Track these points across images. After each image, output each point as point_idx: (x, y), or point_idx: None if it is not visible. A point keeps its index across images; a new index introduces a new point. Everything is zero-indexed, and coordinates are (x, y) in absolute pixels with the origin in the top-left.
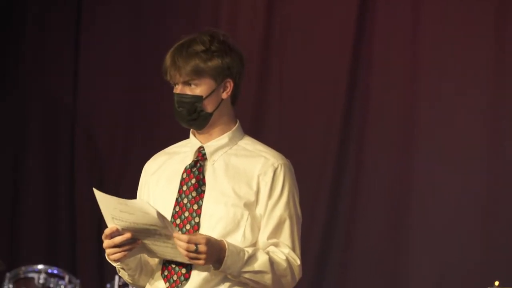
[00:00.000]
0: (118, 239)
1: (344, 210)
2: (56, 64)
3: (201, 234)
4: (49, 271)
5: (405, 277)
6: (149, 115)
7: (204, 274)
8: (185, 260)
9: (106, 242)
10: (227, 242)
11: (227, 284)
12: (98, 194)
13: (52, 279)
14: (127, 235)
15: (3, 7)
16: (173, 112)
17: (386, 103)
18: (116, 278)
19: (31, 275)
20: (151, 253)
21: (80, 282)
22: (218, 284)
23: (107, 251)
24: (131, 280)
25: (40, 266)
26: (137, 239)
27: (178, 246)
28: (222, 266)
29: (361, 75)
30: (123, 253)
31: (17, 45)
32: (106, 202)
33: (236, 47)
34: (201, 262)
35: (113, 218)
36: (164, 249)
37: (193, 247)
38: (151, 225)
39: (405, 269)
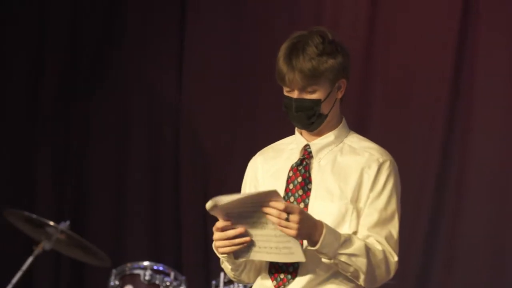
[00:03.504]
0: (231, 232)
1: (448, 208)
2: (160, 61)
3: (297, 206)
4: (155, 267)
5: None
6: (252, 111)
7: (310, 272)
8: (288, 259)
9: (218, 235)
10: (324, 222)
11: (333, 282)
12: (218, 200)
13: (157, 276)
14: (241, 230)
15: (107, 4)
16: (277, 107)
17: (490, 101)
18: (222, 274)
19: (136, 271)
20: (252, 254)
21: (185, 279)
22: (324, 282)
23: (217, 243)
24: (232, 274)
25: (145, 263)
26: (248, 236)
27: (270, 215)
28: (318, 245)
29: (464, 75)
30: (233, 247)
31: (121, 42)
32: (226, 206)
33: (343, 45)
34: (291, 232)
35: (227, 213)
36: (266, 244)
37: (284, 215)
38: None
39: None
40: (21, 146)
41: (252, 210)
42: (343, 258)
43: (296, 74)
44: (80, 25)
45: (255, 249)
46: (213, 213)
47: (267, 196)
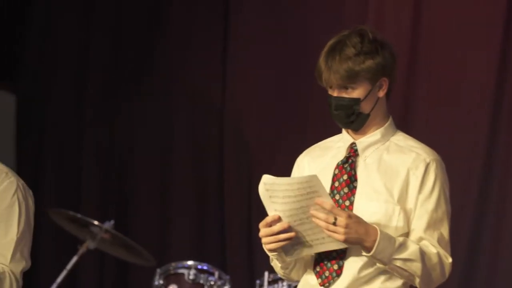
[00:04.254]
0: (276, 227)
1: (493, 208)
2: (204, 61)
3: (345, 211)
4: (199, 267)
5: None
6: (297, 109)
7: (356, 270)
8: (334, 246)
9: (263, 231)
10: (378, 228)
11: (379, 280)
12: (267, 178)
13: (202, 275)
14: (285, 224)
15: (151, 6)
16: (322, 106)
17: None
18: (266, 274)
19: (181, 271)
20: (304, 250)
21: (229, 278)
22: (370, 280)
23: (263, 239)
24: (282, 272)
25: (190, 262)
26: (292, 231)
27: (317, 218)
28: (373, 251)
29: (509, 76)
30: (278, 243)
31: (164, 43)
32: (271, 188)
33: (386, 43)
34: (339, 236)
35: (275, 210)
36: (318, 236)
37: (332, 218)
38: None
39: None
40: (66, 146)
41: (298, 206)
42: (398, 263)
43: (332, 75)
44: (123, 27)
45: (307, 244)
46: (262, 191)
47: (309, 183)
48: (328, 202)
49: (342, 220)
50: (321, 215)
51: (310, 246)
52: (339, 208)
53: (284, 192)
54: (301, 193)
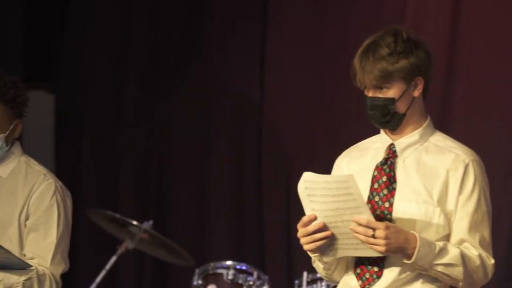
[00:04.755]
0: (311, 227)
1: None
2: (243, 60)
3: (382, 222)
4: (238, 267)
5: None
6: (335, 109)
7: (396, 272)
8: (369, 253)
9: (301, 231)
10: (417, 234)
11: (419, 281)
12: (308, 176)
13: (240, 275)
14: (320, 223)
15: (190, 4)
16: (360, 107)
17: None
18: (305, 274)
19: (220, 271)
20: (339, 252)
21: (268, 278)
22: (410, 282)
23: (302, 240)
24: (324, 273)
25: (228, 262)
26: (328, 230)
27: (356, 233)
28: (413, 258)
29: None
30: (315, 243)
31: (203, 42)
32: (310, 186)
33: (421, 42)
34: (380, 248)
35: (312, 209)
36: (352, 241)
37: (370, 232)
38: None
39: None
40: (105, 146)
41: (334, 207)
42: (439, 269)
43: (366, 75)
44: (163, 27)
45: (342, 246)
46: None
47: (346, 183)
48: (363, 218)
49: (380, 232)
50: (360, 229)
51: (345, 249)
52: (374, 221)
53: (322, 191)
54: (338, 193)
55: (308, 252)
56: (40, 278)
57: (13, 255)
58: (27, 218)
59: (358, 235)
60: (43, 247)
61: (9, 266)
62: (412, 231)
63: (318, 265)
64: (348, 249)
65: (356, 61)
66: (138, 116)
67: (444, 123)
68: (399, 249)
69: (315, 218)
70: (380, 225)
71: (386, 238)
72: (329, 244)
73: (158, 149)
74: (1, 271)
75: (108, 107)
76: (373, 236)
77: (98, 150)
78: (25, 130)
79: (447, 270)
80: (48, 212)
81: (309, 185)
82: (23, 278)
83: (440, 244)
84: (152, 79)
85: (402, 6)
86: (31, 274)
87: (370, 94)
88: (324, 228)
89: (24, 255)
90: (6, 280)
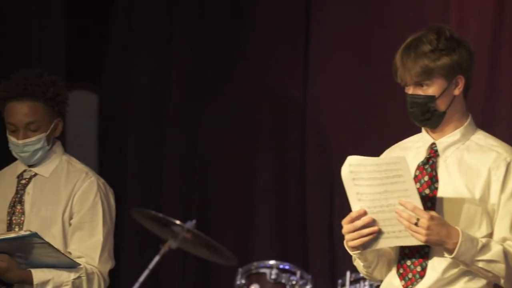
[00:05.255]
0: (359, 223)
1: None
2: (286, 61)
3: (428, 211)
4: (281, 266)
5: None
6: (378, 109)
7: (439, 272)
8: (409, 242)
9: (346, 227)
10: (460, 229)
11: (462, 281)
12: (353, 159)
13: (283, 275)
14: (368, 219)
15: (234, 4)
16: (403, 106)
17: None
18: (348, 273)
19: (262, 270)
20: (380, 242)
21: (311, 278)
22: (453, 282)
23: (346, 236)
24: (365, 271)
25: (271, 262)
26: (375, 226)
27: (400, 217)
28: (455, 253)
29: None
30: (362, 239)
31: (246, 43)
32: (356, 170)
33: (464, 41)
34: (420, 237)
35: (357, 193)
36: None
37: (414, 219)
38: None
39: None
40: (148, 146)
41: (382, 190)
42: (481, 265)
43: (407, 72)
44: (207, 26)
45: (382, 236)
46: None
47: (397, 164)
48: (410, 203)
49: (424, 221)
50: (404, 214)
51: (386, 238)
52: (421, 209)
53: (370, 174)
54: (387, 175)
55: (349, 250)
56: (89, 276)
57: (63, 254)
58: (71, 217)
59: (402, 220)
60: (90, 246)
61: (59, 266)
62: (455, 226)
63: (358, 263)
64: (390, 237)
65: (398, 57)
66: (182, 117)
67: (487, 122)
68: (439, 242)
69: (364, 214)
70: (425, 214)
71: (428, 228)
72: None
73: (201, 149)
74: (51, 269)
75: (151, 107)
76: (416, 224)
77: (141, 150)
78: (68, 130)
79: (489, 267)
80: (93, 210)
81: (354, 168)
82: (72, 276)
83: (483, 240)
84: (196, 80)
85: (445, 6)
86: (80, 273)
87: (410, 91)
88: (371, 223)
89: (70, 253)
90: (56, 278)
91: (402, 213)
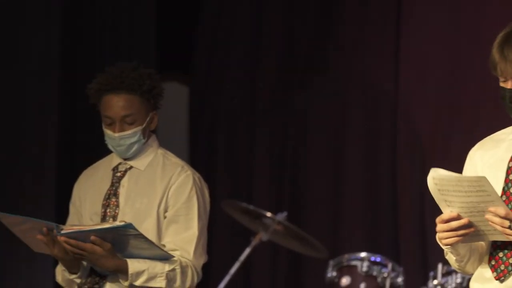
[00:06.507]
0: (454, 224)
1: None
2: (377, 52)
3: None
4: (372, 259)
5: None
6: (471, 102)
7: None
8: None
9: (440, 226)
10: None
11: None
12: (435, 173)
13: (375, 267)
14: (464, 221)
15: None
16: (494, 98)
17: None
18: (439, 266)
19: (354, 262)
20: (480, 237)
21: (403, 270)
22: None
23: (440, 235)
24: (457, 265)
25: (363, 254)
26: (472, 227)
27: (492, 222)
28: None
29: None
30: (456, 238)
31: (337, 33)
32: (440, 183)
33: None
34: None
35: (445, 200)
36: (489, 227)
37: (507, 223)
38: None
39: None
40: (239, 138)
41: (468, 201)
42: None
43: (508, 64)
44: (297, 18)
45: (477, 233)
46: (431, 184)
47: (478, 182)
48: (502, 209)
49: None
50: (496, 219)
51: (480, 235)
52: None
53: (454, 187)
54: (471, 190)
55: (441, 244)
56: (183, 269)
57: (157, 246)
58: (166, 210)
59: (495, 226)
60: (185, 239)
61: (152, 258)
62: None
63: (450, 257)
64: (483, 235)
65: (496, 51)
66: (273, 109)
67: None
68: None
69: (457, 216)
70: None
71: None
72: None
73: (292, 141)
74: (146, 260)
75: (242, 99)
76: (510, 227)
77: (232, 143)
78: (159, 122)
79: None
80: (188, 203)
81: (438, 181)
82: (167, 268)
83: None
84: (287, 73)
85: None
86: (175, 265)
87: (509, 86)
88: (468, 224)
89: (164, 245)
90: (151, 269)
91: (494, 218)
